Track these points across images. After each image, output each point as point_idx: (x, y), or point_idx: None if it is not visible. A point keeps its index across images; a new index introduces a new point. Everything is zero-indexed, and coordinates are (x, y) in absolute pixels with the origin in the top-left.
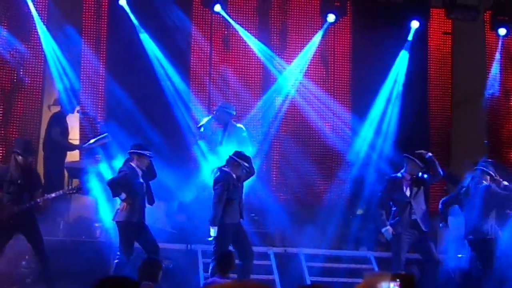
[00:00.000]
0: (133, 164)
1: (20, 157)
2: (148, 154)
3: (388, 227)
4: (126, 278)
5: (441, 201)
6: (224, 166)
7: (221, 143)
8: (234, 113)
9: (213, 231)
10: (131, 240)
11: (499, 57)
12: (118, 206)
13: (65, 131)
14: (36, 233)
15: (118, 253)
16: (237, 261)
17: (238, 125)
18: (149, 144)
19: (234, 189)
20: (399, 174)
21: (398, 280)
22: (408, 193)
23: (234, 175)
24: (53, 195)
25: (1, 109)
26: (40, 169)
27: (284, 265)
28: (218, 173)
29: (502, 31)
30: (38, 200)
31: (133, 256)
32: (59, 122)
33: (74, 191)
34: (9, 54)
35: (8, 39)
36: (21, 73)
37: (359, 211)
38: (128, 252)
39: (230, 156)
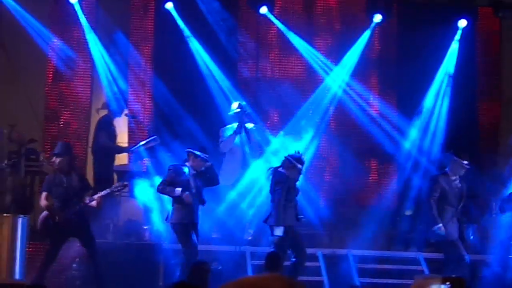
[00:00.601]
0: (187, 164)
1: (60, 160)
2: (202, 156)
3: (440, 225)
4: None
5: (501, 199)
6: (278, 167)
7: (249, 143)
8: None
9: (278, 231)
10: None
11: None
12: (171, 207)
13: (112, 135)
14: (89, 236)
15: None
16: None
17: (251, 124)
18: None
19: (291, 191)
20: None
21: (448, 283)
22: None
23: (290, 177)
24: (100, 194)
25: (51, 113)
26: (90, 172)
27: (333, 267)
28: (275, 174)
29: None
30: (87, 200)
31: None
32: (106, 126)
33: (121, 188)
34: (59, 60)
35: (58, 45)
36: (71, 77)
37: (408, 212)
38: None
39: (285, 158)
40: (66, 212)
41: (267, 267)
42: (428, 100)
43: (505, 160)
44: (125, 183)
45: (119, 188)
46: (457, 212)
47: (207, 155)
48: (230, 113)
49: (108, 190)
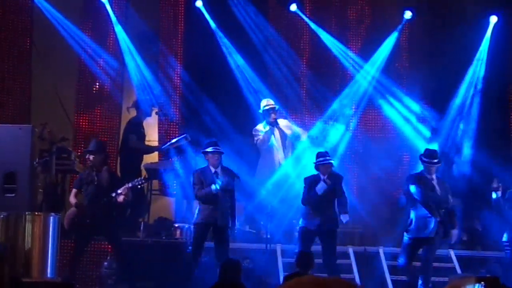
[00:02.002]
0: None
1: (93, 157)
2: (209, 150)
3: None
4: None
5: None
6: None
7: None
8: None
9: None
10: (198, 241)
11: None
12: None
13: (142, 137)
14: (115, 234)
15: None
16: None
17: (283, 121)
18: (229, 145)
19: None
20: None
21: (483, 282)
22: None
23: None
24: (125, 186)
25: (82, 112)
26: (118, 172)
27: (364, 264)
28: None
29: None
30: (113, 194)
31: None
32: (135, 128)
33: (142, 182)
34: (91, 58)
35: (89, 43)
36: (102, 76)
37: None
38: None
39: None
40: (94, 209)
41: (298, 265)
42: (459, 98)
43: None
44: (147, 177)
45: (141, 182)
46: None
47: (216, 148)
48: (260, 110)
49: (130, 184)
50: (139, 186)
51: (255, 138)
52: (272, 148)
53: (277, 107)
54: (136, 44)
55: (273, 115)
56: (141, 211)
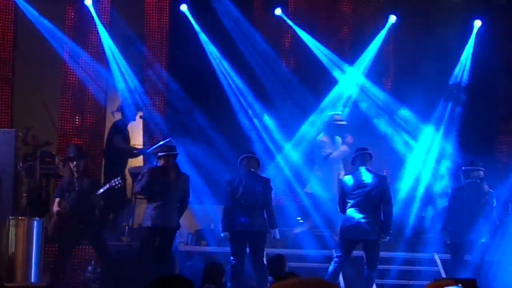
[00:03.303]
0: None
1: (72, 163)
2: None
3: None
4: (180, 277)
5: None
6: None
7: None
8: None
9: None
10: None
11: None
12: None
13: (126, 140)
14: (99, 239)
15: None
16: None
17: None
18: (212, 148)
19: None
20: None
21: (460, 284)
22: None
23: None
24: (101, 190)
25: (67, 116)
26: (103, 175)
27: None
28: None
29: None
30: (92, 196)
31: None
32: (120, 131)
33: (120, 182)
34: (75, 63)
35: (73, 47)
36: (86, 80)
37: (424, 213)
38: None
39: None
40: (76, 215)
41: (270, 270)
42: (443, 102)
43: None
44: (120, 181)
45: (117, 182)
46: None
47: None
48: (325, 119)
49: (107, 186)
50: (116, 187)
51: (322, 151)
52: (333, 162)
53: (345, 123)
54: (120, 48)
55: (351, 138)
56: (125, 215)
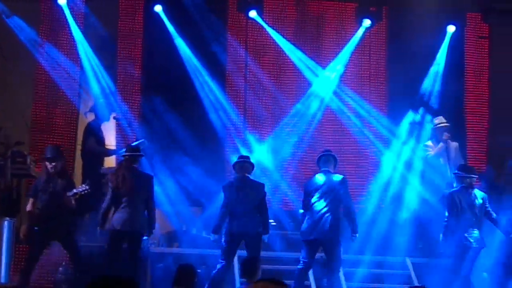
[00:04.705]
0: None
1: (50, 164)
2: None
3: None
4: (120, 277)
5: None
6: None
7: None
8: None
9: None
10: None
11: None
12: None
13: (100, 140)
14: (70, 240)
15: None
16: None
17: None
18: (185, 150)
19: None
20: None
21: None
22: None
23: None
24: (70, 193)
25: (39, 116)
26: (79, 176)
27: (321, 271)
28: None
29: None
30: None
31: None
32: (94, 131)
33: (86, 189)
34: (48, 63)
35: (46, 47)
36: (60, 80)
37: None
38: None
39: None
40: (49, 215)
41: (243, 272)
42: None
43: (494, 166)
44: (87, 187)
45: (83, 189)
46: None
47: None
48: (432, 126)
49: (75, 190)
50: (82, 193)
51: (427, 153)
52: (440, 164)
53: (449, 124)
54: (94, 48)
55: (446, 134)
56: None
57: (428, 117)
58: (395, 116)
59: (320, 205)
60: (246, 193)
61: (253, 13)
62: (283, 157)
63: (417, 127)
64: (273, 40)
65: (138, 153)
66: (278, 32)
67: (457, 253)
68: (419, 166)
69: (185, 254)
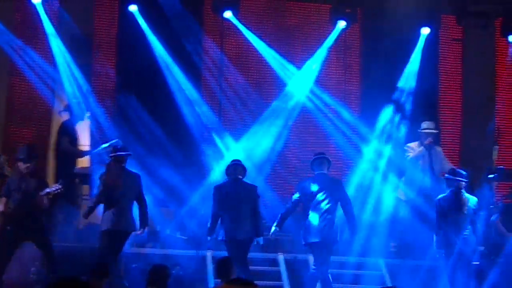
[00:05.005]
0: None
1: (23, 164)
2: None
3: None
4: (76, 279)
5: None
6: None
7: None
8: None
9: None
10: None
11: (510, 63)
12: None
13: (74, 140)
14: (44, 239)
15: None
16: None
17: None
18: (159, 150)
19: None
20: None
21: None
22: None
23: None
24: (42, 193)
25: (13, 115)
26: (52, 175)
27: (294, 272)
28: None
29: None
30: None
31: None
32: (68, 131)
33: (59, 188)
34: (22, 61)
35: (21, 45)
36: (34, 79)
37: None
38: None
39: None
40: (21, 215)
41: (218, 273)
42: (390, 107)
43: (466, 167)
44: (60, 186)
45: (56, 189)
46: None
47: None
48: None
49: (48, 189)
50: (55, 192)
51: (407, 154)
52: (419, 169)
53: (436, 131)
54: (69, 47)
55: (429, 139)
56: (72, 216)
57: (403, 118)
58: (369, 117)
59: (322, 208)
60: (240, 196)
61: (228, 14)
62: (258, 157)
63: (391, 127)
64: (248, 40)
65: (127, 153)
66: (253, 32)
67: (447, 257)
68: (394, 166)
69: (159, 255)
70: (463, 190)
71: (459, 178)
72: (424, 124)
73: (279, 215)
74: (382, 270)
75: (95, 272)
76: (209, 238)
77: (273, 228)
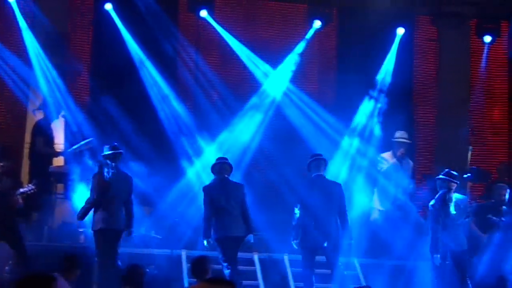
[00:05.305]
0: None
1: (2, 165)
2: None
3: None
4: (42, 274)
5: None
6: None
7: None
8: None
9: None
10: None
11: (484, 64)
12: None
13: (49, 140)
14: (17, 239)
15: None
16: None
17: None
18: (134, 149)
19: None
20: None
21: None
22: None
23: None
24: (16, 193)
25: None
26: (26, 175)
27: (269, 271)
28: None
29: (487, 39)
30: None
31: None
32: (42, 131)
33: (32, 188)
34: None
35: None
36: (6, 78)
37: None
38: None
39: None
40: None
41: (193, 272)
42: (365, 107)
43: (440, 169)
44: (33, 186)
45: (29, 189)
46: None
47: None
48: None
49: (21, 190)
50: (29, 193)
51: (380, 165)
52: (391, 180)
53: (409, 141)
54: (43, 46)
55: (401, 150)
56: (46, 215)
57: (378, 118)
58: (344, 117)
59: (323, 211)
60: (228, 194)
61: (203, 13)
62: (233, 157)
63: (365, 125)
64: (224, 39)
65: (119, 151)
66: (228, 31)
67: (443, 258)
68: (367, 166)
69: (134, 254)
70: (453, 192)
71: (451, 179)
72: (398, 133)
73: (293, 231)
74: (357, 269)
75: (65, 264)
76: (205, 241)
77: (294, 245)
